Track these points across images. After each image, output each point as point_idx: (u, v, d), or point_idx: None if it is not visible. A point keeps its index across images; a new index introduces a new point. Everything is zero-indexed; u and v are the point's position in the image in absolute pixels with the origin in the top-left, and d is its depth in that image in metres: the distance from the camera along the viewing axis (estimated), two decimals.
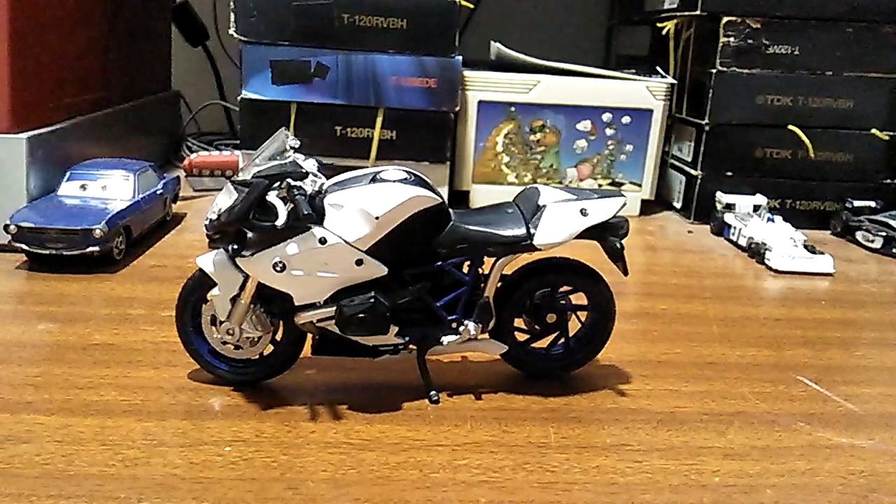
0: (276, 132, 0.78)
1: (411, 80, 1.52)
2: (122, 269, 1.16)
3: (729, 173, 1.63)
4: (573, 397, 0.84)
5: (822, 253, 1.36)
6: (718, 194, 1.58)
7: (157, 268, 1.18)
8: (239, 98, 1.52)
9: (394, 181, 0.77)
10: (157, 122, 1.90)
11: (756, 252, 1.39)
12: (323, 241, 0.75)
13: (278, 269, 0.74)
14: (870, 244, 1.52)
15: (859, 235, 1.55)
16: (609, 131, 1.62)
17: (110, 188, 1.23)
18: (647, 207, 1.69)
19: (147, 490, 0.64)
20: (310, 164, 0.77)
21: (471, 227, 0.80)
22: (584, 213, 0.79)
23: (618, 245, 0.81)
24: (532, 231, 0.79)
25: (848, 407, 0.86)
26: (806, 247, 1.37)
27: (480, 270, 0.82)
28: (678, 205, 1.73)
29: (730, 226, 1.51)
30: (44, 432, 0.72)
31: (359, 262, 0.76)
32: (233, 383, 0.82)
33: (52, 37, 1.30)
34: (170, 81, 2.06)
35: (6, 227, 1.11)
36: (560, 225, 0.79)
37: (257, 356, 0.81)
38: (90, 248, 1.11)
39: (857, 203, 1.60)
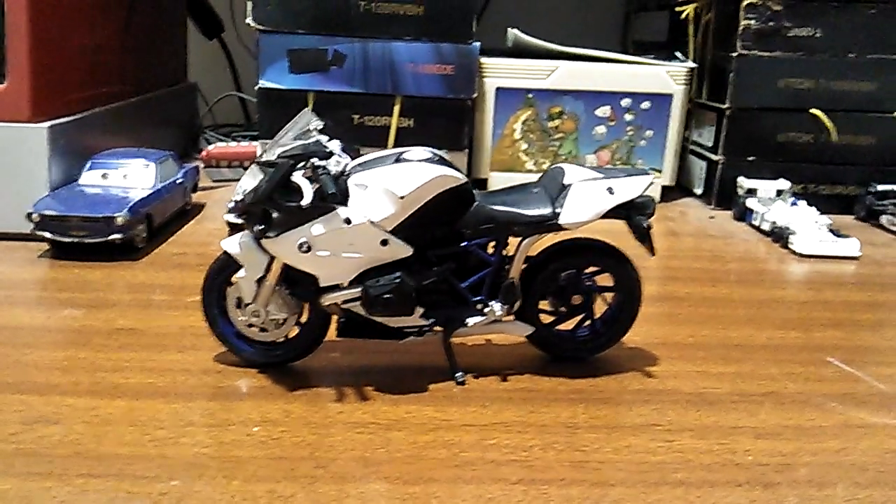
0: (301, 113, 0.78)
1: (429, 68, 1.52)
2: (145, 257, 1.16)
3: (750, 158, 1.61)
4: (600, 379, 0.83)
5: (847, 236, 1.34)
6: (740, 179, 1.56)
7: (179, 255, 1.18)
8: (256, 87, 1.52)
9: (418, 161, 0.77)
10: (175, 113, 1.90)
11: (780, 236, 1.37)
12: (348, 221, 0.74)
13: (303, 249, 0.74)
14: (894, 228, 1.50)
15: (884, 219, 1.53)
16: (628, 117, 1.61)
17: (131, 177, 1.23)
18: (666, 194, 1.68)
19: (177, 469, 0.64)
20: (334, 145, 0.77)
21: (496, 207, 0.79)
22: (610, 191, 0.78)
23: (644, 224, 0.80)
24: (558, 210, 0.78)
25: (879, 388, 0.85)
26: (831, 230, 1.35)
27: (505, 251, 0.81)
28: (699, 191, 1.71)
29: (752, 211, 1.49)
30: (72, 414, 0.72)
31: (384, 243, 0.76)
32: (258, 365, 0.81)
33: (72, 28, 1.31)
34: (186, 73, 2.06)
35: (29, 216, 1.11)
36: (586, 203, 0.78)
37: (283, 338, 0.81)
38: (113, 236, 1.11)
39: (880, 187, 1.57)
